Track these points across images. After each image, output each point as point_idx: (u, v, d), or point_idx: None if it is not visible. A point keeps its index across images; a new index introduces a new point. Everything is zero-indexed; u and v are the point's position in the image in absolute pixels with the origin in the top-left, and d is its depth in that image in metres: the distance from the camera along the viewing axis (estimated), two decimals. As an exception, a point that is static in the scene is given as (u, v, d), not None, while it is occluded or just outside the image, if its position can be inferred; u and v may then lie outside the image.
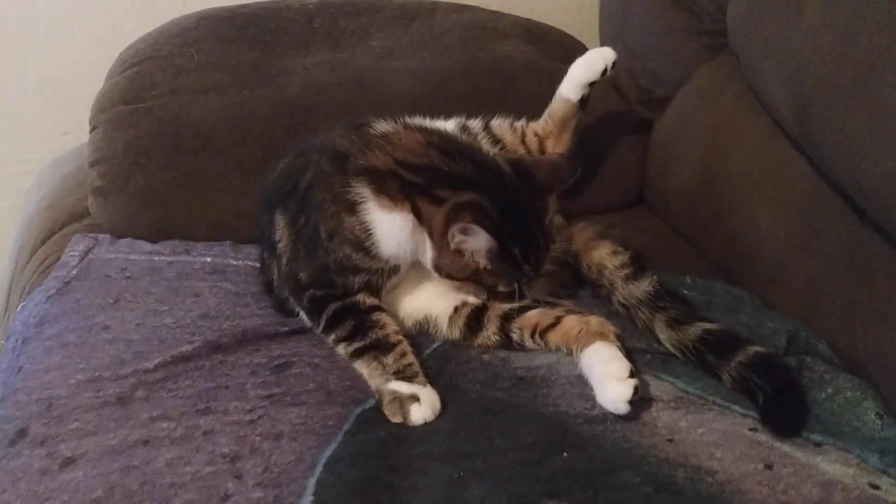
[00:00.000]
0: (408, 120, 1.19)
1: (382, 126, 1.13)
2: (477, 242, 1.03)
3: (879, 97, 0.96)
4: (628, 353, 1.07)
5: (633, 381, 0.97)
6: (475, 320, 1.13)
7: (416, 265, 1.12)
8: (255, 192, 1.27)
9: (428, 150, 1.08)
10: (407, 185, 1.05)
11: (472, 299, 1.15)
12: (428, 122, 1.23)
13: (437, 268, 1.08)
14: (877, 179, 0.97)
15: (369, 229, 1.06)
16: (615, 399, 0.97)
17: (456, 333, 1.14)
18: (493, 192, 1.04)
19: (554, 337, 1.10)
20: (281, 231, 1.15)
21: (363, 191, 1.06)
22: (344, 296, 1.09)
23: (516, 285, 1.10)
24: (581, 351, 1.05)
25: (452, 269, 1.08)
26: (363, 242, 1.06)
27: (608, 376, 0.99)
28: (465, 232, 1.02)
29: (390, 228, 1.05)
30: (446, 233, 1.03)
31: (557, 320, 1.10)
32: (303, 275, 1.11)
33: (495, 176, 1.07)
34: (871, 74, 0.98)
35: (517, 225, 1.05)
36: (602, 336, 1.05)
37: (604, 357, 1.02)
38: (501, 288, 1.11)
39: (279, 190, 1.18)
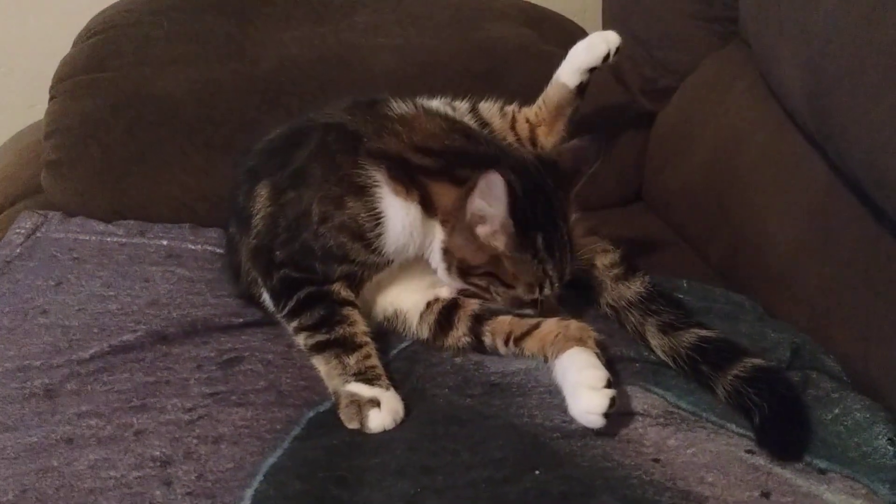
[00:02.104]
0: (425, 103, 1.13)
1: (401, 107, 1.07)
2: (498, 206, 0.95)
3: (908, 83, 0.87)
4: (612, 362, 1.01)
5: (609, 392, 0.90)
6: (446, 318, 1.06)
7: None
8: (235, 160, 1.19)
9: (451, 135, 1.04)
10: (422, 171, 1.00)
11: (444, 293, 1.07)
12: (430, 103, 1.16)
13: (447, 254, 1.01)
14: (900, 174, 0.88)
15: (379, 218, 0.99)
16: (588, 410, 0.90)
17: (425, 332, 1.07)
18: (519, 175, 0.98)
19: (530, 344, 1.02)
20: (261, 203, 1.07)
21: (377, 174, 0.99)
22: (322, 283, 1.02)
23: (538, 292, 1.01)
24: (556, 357, 0.97)
25: (466, 252, 1.00)
26: (366, 233, 0.99)
27: (582, 385, 0.91)
28: (486, 194, 0.94)
29: (403, 217, 0.99)
30: (465, 207, 0.97)
31: (535, 326, 1.02)
32: (279, 253, 1.03)
33: (520, 162, 1.02)
34: (899, 58, 0.89)
35: (541, 211, 0.99)
36: (580, 342, 0.98)
37: (579, 364, 0.94)
38: (521, 292, 1.02)
39: (267, 162, 1.10)
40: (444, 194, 1.00)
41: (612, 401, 0.89)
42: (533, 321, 1.03)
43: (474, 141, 1.04)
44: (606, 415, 0.89)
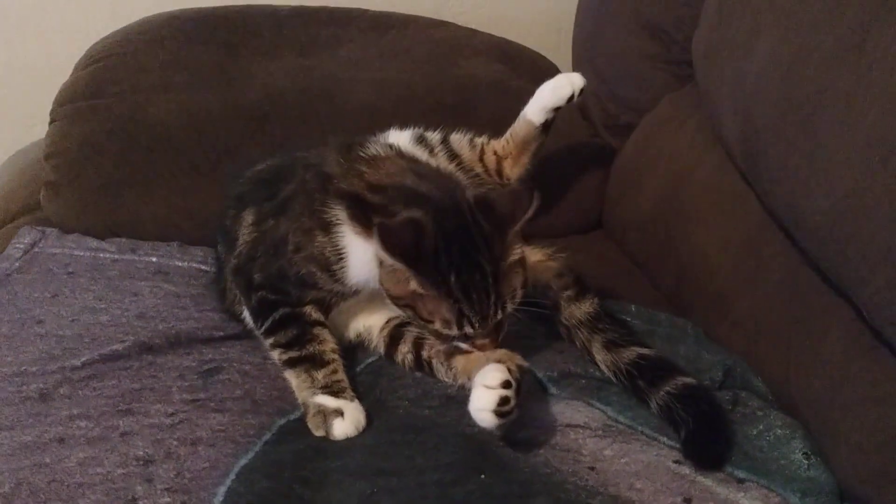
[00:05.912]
0: (401, 143, 1.18)
1: (374, 149, 1.10)
2: (387, 254, 0.95)
3: (819, 134, 0.96)
4: (560, 377, 1.08)
5: (501, 392, 0.90)
6: (398, 333, 1.12)
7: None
8: (225, 185, 1.26)
9: (404, 174, 1.05)
10: (372, 208, 1.02)
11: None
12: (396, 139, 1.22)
13: (381, 284, 1.03)
14: (812, 216, 0.97)
15: (341, 253, 1.04)
16: (479, 408, 0.91)
17: (382, 347, 1.14)
18: (442, 217, 0.98)
19: (458, 361, 1.06)
20: (245, 228, 1.14)
21: (340, 214, 1.04)
22: (295, 304, 1.09)
23: (456, 330, 0.98)
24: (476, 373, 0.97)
25: (390, 284, 1.01)
26: (332, 265, 1.05)
27: (478, 384, 0.93)
28: (382, 242, 0.94)
29: (362, 254, 1.03)
30: None
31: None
32: (257, 276, 1.10)
33: (449, 203, 0.99)
34: (814, 112, 0.98)
35: (460, 252, 0.96)
36: (500, 362, 0.97)
37: (485, 370, 0.95)
38: (438, 327, 0.99)
39: (255, 190, 1.17)
40: None
41: (504, 399, 0.89)
42: None
43: (422, 180, 1.02)
44: (499, 414, 0.90)
